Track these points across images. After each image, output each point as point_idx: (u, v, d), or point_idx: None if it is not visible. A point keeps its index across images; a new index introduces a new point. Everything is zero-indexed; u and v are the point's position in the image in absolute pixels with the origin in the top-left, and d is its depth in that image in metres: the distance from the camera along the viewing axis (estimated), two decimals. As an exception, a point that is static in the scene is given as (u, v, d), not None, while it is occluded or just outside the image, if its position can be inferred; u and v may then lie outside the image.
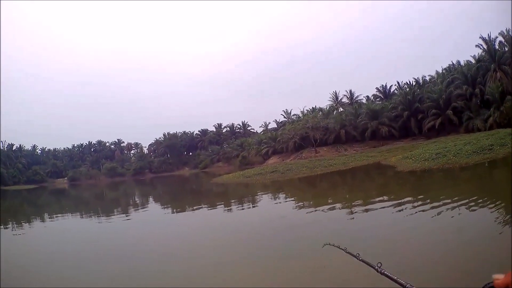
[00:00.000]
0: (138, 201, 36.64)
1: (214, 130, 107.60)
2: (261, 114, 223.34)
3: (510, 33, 47.63)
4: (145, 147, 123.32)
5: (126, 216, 23.77)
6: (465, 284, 6.05)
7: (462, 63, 59.01)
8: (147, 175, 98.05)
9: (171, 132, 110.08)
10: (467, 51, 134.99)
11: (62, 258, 12.31)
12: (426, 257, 8.11)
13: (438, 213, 11.74)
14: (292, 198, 22.61)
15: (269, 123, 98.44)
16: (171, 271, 9.70)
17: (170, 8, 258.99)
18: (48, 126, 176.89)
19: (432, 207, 12.81)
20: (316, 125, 62.62)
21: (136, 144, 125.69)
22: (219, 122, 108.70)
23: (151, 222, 19.57)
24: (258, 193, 27.74)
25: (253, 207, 21.00)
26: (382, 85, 76.52)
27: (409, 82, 69.90)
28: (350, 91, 79.37)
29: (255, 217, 17.22)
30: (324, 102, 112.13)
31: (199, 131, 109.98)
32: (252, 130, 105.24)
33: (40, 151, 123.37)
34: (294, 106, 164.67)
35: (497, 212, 10.93)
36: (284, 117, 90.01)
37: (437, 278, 6.76)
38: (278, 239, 11.65)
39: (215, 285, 8.18)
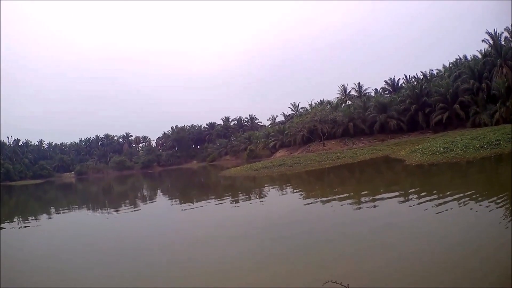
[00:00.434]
0: (146, 194, 36.71)
1: (222, 123, 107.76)
2: (268, 108, 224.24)
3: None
4: (153, 140, 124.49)
5: (135, 209, 23.97)
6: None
7: (469, 57, 58.70)
8: (155, 168, 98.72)
9: (179, 126, 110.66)
10: (473, 46, 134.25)
11: (65, 254, 12.68)
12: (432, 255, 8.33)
13: (447, 209, 11.95)
14: (300, 192, 22.57)
15: (277, 116, 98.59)
16: (177, 263, 10.03)
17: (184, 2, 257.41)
18: (55, 122, 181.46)
19: (440, 202, 12.97)
20: (324, 118, 62.29)
21: (144, 138, 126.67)
22: (226, 116, 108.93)
23: (158, 216, 19.94)
24: (266, 186, 27.78)
25: (260, 201, 21.04)
26: (391, 78, 76.05)
27: (417, 75, 69.54)
28: (359, 84, 79.02)
29: (262, 212, 17.31)
30: (332, 95, 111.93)
31: (206, 124, 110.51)
32: (259, 124, 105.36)
33: (46, 146, 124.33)
34: (302, 99, 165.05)
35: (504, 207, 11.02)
36: (292, 110, 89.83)
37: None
38: (285, 233, 11.80)
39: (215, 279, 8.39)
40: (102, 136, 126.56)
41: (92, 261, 11.03)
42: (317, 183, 27.84)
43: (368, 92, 77.17)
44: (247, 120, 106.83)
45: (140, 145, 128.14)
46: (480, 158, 23.03)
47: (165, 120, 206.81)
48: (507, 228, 8.86)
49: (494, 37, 49.56)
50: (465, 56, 61.21)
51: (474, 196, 13.23)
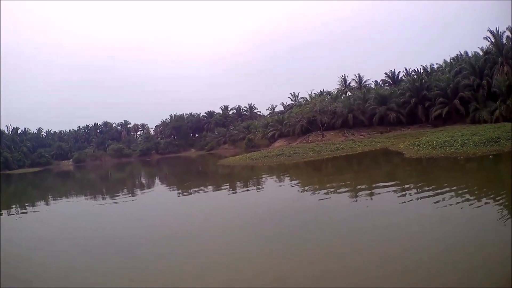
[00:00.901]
0: (144, 182, 36.70)
1: (221, 112, 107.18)
2: (268, 98, 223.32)
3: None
4: (152, 128, 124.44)
5: (132, 197, 24.06)
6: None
7: (470, 54, 58.58)
8: (153, 156, 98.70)
9: (177, 114, 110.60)
10: (474, 43, 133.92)
11: (63, 243, 12.83)
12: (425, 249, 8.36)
13: (446, 205, 11.94)
14: (298, 182, 22.61)
15: (276, 106, 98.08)
16: (173, 253, 10.06)
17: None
18: (55, 109, 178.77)
19: (437, 194, 12.97)
20: (323, 109, 61.71)
21: (143, 125, 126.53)
22: (225, 104, 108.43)
23: (157, 204, 20.13)
24: (264, 176, 27.84)
25: (258, 190, 21.20)
26: (391, 70, 75.67)
27: (417, 69, 69.33)
28: (359, 75, 78.38)
29: (259, 200, 17.50)
30: (332, 86, 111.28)
31: (205, 113, 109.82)
32: (258, 113, 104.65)
33: (45, 134, 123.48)
34: (301, 89, 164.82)
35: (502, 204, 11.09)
36: (292, 100, 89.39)
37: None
38: (278, 224, 11.91)
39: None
40: (100, 124, 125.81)
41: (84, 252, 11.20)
42: (315, 173, 27.83)
43: (368, 84, 76.76)
44: (246, 109, 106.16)
45: (139, 132, 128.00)
46: (480, 154, 22.94)
47: (164, 108, 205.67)
48: (505, 226, 8.92)
49: (496, 35, 49.40)
50: (466, 52, 61.02)
51: (474, 192, 13.30)
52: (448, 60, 65.17)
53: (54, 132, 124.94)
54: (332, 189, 17.80)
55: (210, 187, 24.53)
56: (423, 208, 11.84)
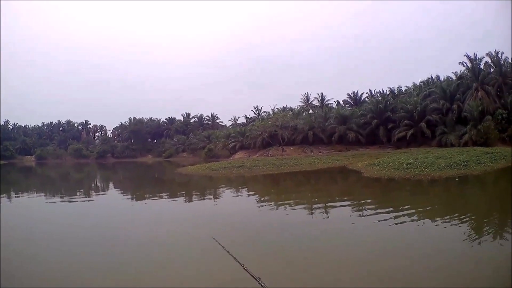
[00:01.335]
0: (99, 185, 35.79)
1: (182, 119, 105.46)
2: (231, 110, 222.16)
3: (499, 54, 49.27)
4: (110, 130, 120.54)
5: (88, 199, 23.27)
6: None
7: (441, 78, 60.50)
8: (109, 159, 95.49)
9: (137, 117, 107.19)
10: (444, 67, 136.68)
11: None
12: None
13: (399, 223, 11.57)
14: (255, 195, 22.02)
15: (239, 118, 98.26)
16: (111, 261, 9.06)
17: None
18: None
19: (394, 216, 12.55)
20: (285, 124, 62.86)
21: (101, 127, 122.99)
22: (187, 112, 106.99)
23: (109, 208, 19.02)
24: (222, 187, 27.06)
25: (215, 199, 20.69)
26: (353, 91, 77.30)
27: (382, 90, 70.96)
28: (322, 94, 79.46)
29: (215, 210, 16.94)
30: (295, 103, 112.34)
31: (166, 119, 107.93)
32: (220, 123, 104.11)
33: (11, 127, 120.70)
34: (265, 103, 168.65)
35: (467, 225, 10.87)
36: (254, 113, 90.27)
37: None
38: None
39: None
40: (64, 122, 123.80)
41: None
42: (273, 187, 27.44)
43: (330, 104, 78.11)
44: (208, 118, 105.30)
45: (97, 134, 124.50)
46: (445, 177, 22.42)
47: (126, 110, 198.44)
48: (472, 247, 8.78)
49: (473, 60, 50.83)
50: (437, 76, 63.33)
51: (433, 213, 13.08)
52: (418, 83, 66.76)
53: (20, 126, 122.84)
54: (288, 203, 17.36)
55: (166, 195, 23.58)
56: (380, 228, 11.33)
